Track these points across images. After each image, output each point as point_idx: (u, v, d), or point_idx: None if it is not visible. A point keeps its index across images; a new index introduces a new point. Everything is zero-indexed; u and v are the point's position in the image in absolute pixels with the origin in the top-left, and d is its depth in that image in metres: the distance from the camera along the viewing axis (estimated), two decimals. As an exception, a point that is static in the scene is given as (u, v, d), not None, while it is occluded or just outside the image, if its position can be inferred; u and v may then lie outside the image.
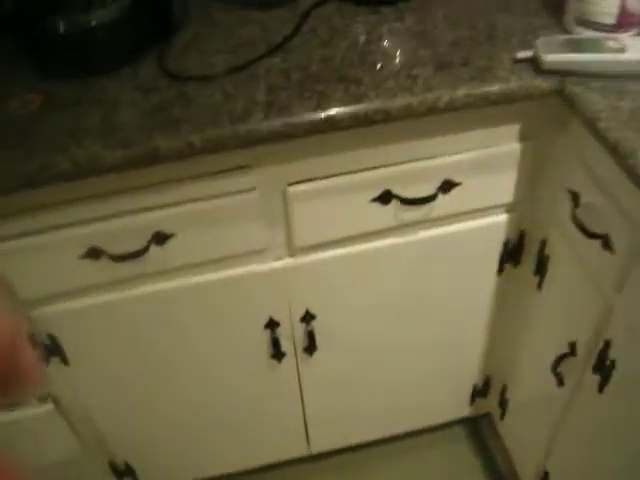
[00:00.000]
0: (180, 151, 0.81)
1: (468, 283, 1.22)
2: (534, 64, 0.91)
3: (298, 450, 1.51)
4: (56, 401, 1.15)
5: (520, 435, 1.42)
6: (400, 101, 0.86)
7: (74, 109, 0.87)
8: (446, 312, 1.27)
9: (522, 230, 1.14)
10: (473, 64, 0.92)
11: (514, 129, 1.00)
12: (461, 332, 1.33)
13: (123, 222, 0.92)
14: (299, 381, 1.32)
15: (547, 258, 1.11)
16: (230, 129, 0.81)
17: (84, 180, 0.83)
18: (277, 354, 1.22)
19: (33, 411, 1.16)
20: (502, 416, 1.48)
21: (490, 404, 1.53)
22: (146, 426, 1.31)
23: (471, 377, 1.47)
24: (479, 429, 1.62)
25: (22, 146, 0.81)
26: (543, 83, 0.89)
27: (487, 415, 1.59)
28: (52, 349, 1.05)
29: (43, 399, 1.13)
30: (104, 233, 0.92)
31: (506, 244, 1.16)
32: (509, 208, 1.11)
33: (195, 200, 0.94)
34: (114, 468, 1.38)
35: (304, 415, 1.42)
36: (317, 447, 1.52)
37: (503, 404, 1.44)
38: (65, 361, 1.09)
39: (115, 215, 0.91)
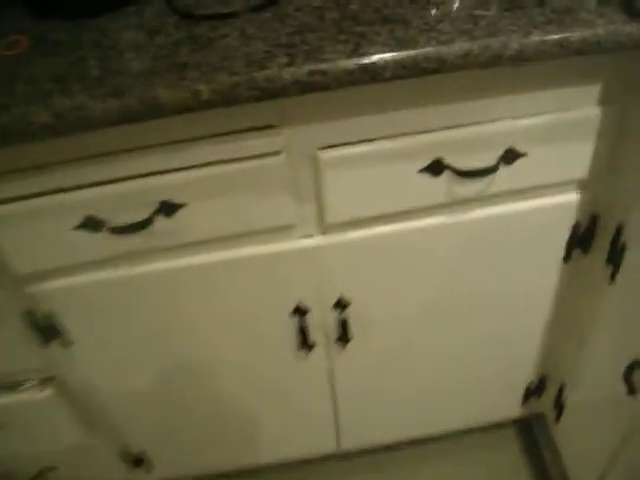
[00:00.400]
0: (185, 102, 0.67)
1: (528, 271, 1.05)
2: (627, 6, 0.73)
3: (326, 447, 1.38)
4: (60, 385, 1.04)
5: (577, 442, 1.25)
6: (457, 47, 0.70)
7: (66, 53, 0.74)
8: (501, 304, 1.11)
9: (595, 212, 0.97)
10: (550, 4, 0.74)
11: (594, 90, 0.83)
12: (517, 326, 1.17)
13: (123, 188, 0.79)
14: (330, 374, 1.17)
15: (623, 246, 0.94)
16: (245, 76, 0.66)
17: (74, 137, 0.70)
18: (305, 344, 1.07)
19: (37, 395, 1.04)
20: (557, 419, 1.31)
21: (544, 405, 1.36)
22: (160, 413, 1.19)
23: (525, 375, 1.31)
24: (530, 431, 1.46)
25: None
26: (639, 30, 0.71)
27: (540, 416, 1.42)
28: (52, 330, 0.93)
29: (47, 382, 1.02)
30: (102, 201, 0.79)
31: (575, 228, 0.99)
32: (582, 185, 0.94)
33: (209, 164, 0.80)
34: (127, 456, 1.27)
35: (335, 410, 1.27)
36: (347, 444, 1.38)
37: (559, 406, 1.28)
38: (68, 342, 0.97)
39: (114, 180, 0.78)
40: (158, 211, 0.82)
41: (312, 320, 1.03)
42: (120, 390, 1.10)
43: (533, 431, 1.45)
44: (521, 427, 1.48)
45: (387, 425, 1.36)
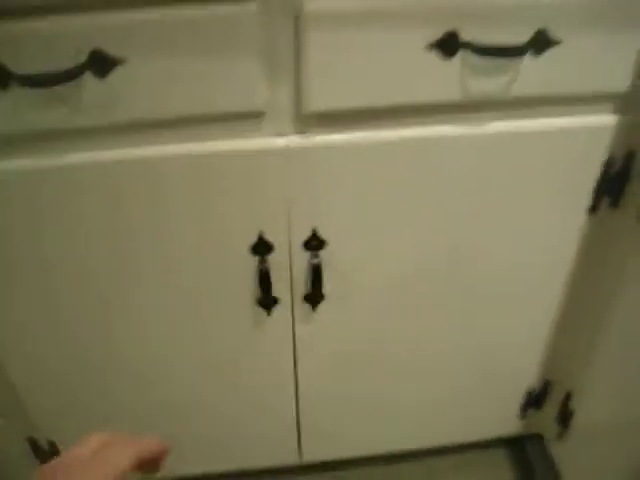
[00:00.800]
0: None
1: (546, 222, 0.86)
2: None
3: (286, 457, 1.13)
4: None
5: (588, 464, 1.03)
6: None
7: None
8: (510, 274, 0.91)
9: (633, 149, 0.79)
10: None
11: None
12: (524, 308, 0.96)
13: (41, 27, 0.58)
14: (294, 349, 0.94)
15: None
16: None
17: None
18: (266, 300, 0.85)
19: None
20: (561, 435, 1.08)
21: (544, 420, 1.13)
22: (75, 388, 0.94)
23: (525, 378, 1.09)
24: (525, 451, 1.22)
25: None
26: None
27: (537, 436, 1.20)
28: None
29: None
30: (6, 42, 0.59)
31: (608, 165, 0.80)
32: (622, 107, 0.76)
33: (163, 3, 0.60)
34: (34, 446, 1.00)
35: (297, 405, 1.03)
36: (310, 456, 1.14)
37: (564, 419, 1.05)
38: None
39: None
40: (87, 65, 0.62)
41: (277, 263, 0.81)
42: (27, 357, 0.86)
43: (528, 451, 1.21)
44: (515, 446, 1.25)
45: (355, 435, 1.13)
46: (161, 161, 0.71)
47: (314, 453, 1.13)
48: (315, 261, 0.81)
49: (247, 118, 0.70)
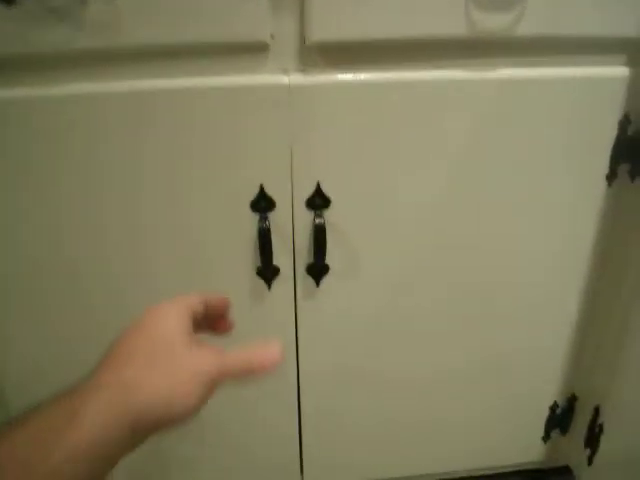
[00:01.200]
0: None
1: (560, 192, 0.82)
2: None
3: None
4: None
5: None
6: None
7: None
8: (514, 261, 0.86)
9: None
10: None
11: None
12: (535, 296, 0.90)
13: None
14: (296, 333, 0.88)
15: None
16: None
17: None
18: (267, 270, 0.80)
19: None
20: (590, 460, 0.98)
21: (571, 446, 1.03)
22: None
23: (548, 393, 1.00)
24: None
25: None
26: None
27: (562, 469, 1.09)
28: None
29: None
30: None
31: (623, 125, 0.77)
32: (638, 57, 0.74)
33: None
34: None
35: (299, 410, 0.95)
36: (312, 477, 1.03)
37: (593, 438, 0.96)
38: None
39: None
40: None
41: (278, 222, 0.77)
42: None
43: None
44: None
45: (359, 460, 1.03)
46: (159, 95, 0.69)
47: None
48: (319, 221, 0.77)
49: (251, 51, 0.69)
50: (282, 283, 0.81)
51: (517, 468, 1.09)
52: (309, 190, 0.76)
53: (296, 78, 0.70)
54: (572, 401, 1.01)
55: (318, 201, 0.77)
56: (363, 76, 0.71)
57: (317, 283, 0.83)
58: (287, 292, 0.83)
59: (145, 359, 0.40)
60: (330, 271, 0.82)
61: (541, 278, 0.88)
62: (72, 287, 0.79)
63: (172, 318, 0.43)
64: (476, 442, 1.03)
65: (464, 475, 1.07)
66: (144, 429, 0.38)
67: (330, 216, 0.78)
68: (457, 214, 0.81)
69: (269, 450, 0.97)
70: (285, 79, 0.70)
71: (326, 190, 0.76)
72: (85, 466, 0.35)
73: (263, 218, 0.76)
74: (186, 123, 0.70)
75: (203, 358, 0.42)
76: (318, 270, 0.82)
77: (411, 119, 0.74)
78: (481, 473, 1.07)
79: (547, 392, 1.00)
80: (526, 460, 1.07)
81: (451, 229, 0.82)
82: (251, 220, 0.77)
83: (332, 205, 0.77)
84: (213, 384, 0.41)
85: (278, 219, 0.77)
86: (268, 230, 0.76)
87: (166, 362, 0.40)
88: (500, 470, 1.09)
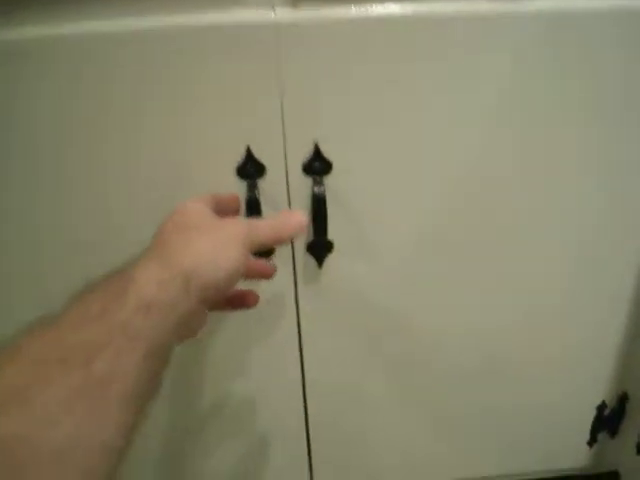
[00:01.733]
0: None
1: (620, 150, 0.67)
2: None
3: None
4: None
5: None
6: None
7: None
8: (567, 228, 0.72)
9: None
10: None
11: None
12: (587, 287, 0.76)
13: None
14: (299, 331, 0.76)
15: None
16: None
17: None
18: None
19: None
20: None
21: (620, 449, 0.89)
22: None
23: (596, 389, 0.86)
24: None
25: None
26: None
27: (610, 475, 0.95)
28: None
29: None
30: None
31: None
32: None
33: None
34: None
35: (306, 414, 0.84)
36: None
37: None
38: None
39: None
40: None
41: (270, 191, 0.65)
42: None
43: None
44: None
45: (372, 464, 0.90)
46: (125, 36, 0.57)
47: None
48: (318, 189, 0.65)
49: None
50: (279, 265, 0.69)
51: (559, 474, 0.95)
52: (306, 152, 0.64)
53: (285, 13, 0.58)
54: (623, 400, 0.87)
55: (317, 165, 0.64)
56: (369, 9, 0.58)
57: (319, 263, 0.70)
58: (285, 275, 0.71)
59: (183, 235, 0.44)
60: (334, 249, 0.69)
61: (590, 253, 0.74)
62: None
63: (195, 203, 0.49)
64: (512, 444, 0.90)
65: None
66: (196, 289, 0.41)
67: (332, 183, 0.65)
68: (490, 180, 0.67)
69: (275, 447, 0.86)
70: (271, 14, 0.57)
71: (326, 152, 0.64)
72: (153, 322, 0.38)
73: (251, 186, 0.64)
74: (154, 71, 0.58)
75: (235, 224, 0.47)
76: (320, 248, 0.69)
77: (430, 60, 0.60)
78: (520, 479, 0.94)
79: (594, 390, 0.87)
80: (570, 465, 0.94)
81: (483, 199, 0.68)
82: (238, 189, 0.64)
83: (334, 170, 0.65)
84: (247, 247, 0.46)
85: (269, 187, 0.65)
86: (257, 200, 0.64)
87: (202, 232, 0.45)
88: (540, 476, 0.95)
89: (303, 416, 0.82)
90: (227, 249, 0.44)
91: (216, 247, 0.43)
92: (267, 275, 0.62)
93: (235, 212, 0.58)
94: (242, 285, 0.54)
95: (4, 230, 0.65)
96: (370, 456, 0.88)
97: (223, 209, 0.53)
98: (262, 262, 0.62)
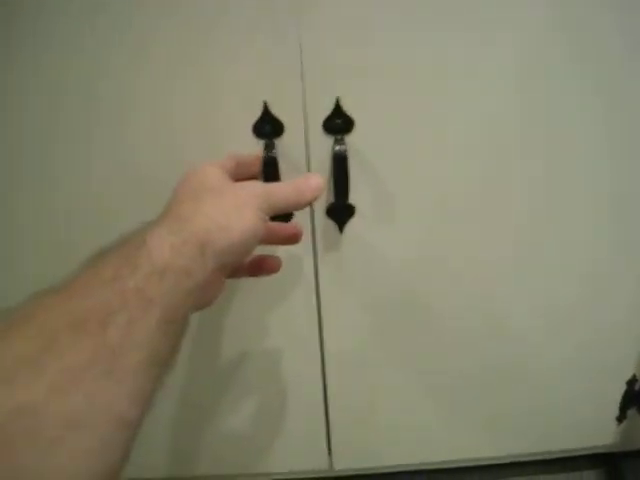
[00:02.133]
0: None
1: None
2: None
3: (316, 464, 0.88)
4: None
5: None
6: None
7: None
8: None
9: None
10: None
11: None
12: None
13: None
14: (318, 306, 0.73)
15: None
16: None
17: None
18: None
19: None
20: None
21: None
22: None
23: (626, 363, 0.83)
24: (620, 473, 0.94)
25: None
26: None
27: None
28: None
29: None
30: None
31: None
32: None
33: None
34: None
35: (325, 393, 0.80)
36: (342, 464, 0.89)
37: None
38: None
39: None
40: None
41: (289, 151, 0.61)
42: None
43: (624, 472, 0.93)
44: (607, 464, 0.95)
45: (393, 442, 0.87)
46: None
47: (346, 461, 0.88)
48: (339, 148, 0.61)
49: None
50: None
51: (586, 452, 0.92)
52: (326, 109, 0.60)
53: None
54: (653, 374, 0.83)
55: (338, 123, 0.61)
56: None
57: (340, 229, 0.67)
58: (303, 241, 0.67)
59: (196, 199, 0.43)
60: (356, 213, 0.66)
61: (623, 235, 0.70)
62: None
63: (210, 166, 0.47)
64: (538, 422, 0.87)
65: (525, 460, 0.91)
66: (212, 254, 0.40)
67: (354, 142, 0.61)
68: (516, 147, 0.63)
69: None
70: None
71: (348, 108, 0.60)
72: (167, 288, 0.37)
73: (269, 145, 0.61)
74: (169, 18, 0.54)
75: (250, 187, 0.45)
76: (341, 212, 0.66)
77: (457, 14, 0.56)
78: (544, 457, 0.91)
79: (624, 364, 0.83)
80: (597, 443, 0.90)
81: (509, 166, 0.64)
82: (255, 148, 0.60)
83: (356, 128, 0.61)
84: (264, 211, 0.44)
85: (288, 146, 0.61)
86: (275, 160, 0.60)
87: (216, 196, 0.43)
88: (567, 454, 0.92)
89: (321, 382, 0.79)
90: (242, 213, 0.42)
91: (230, 212, 0.42)
92: (293, 239, 0.58)
93: (256, 175, 0.56)
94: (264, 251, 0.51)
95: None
96: (385, 422, 0.85)
97: (243, 172, 0.53)
98: (287, 225, 0.59)
